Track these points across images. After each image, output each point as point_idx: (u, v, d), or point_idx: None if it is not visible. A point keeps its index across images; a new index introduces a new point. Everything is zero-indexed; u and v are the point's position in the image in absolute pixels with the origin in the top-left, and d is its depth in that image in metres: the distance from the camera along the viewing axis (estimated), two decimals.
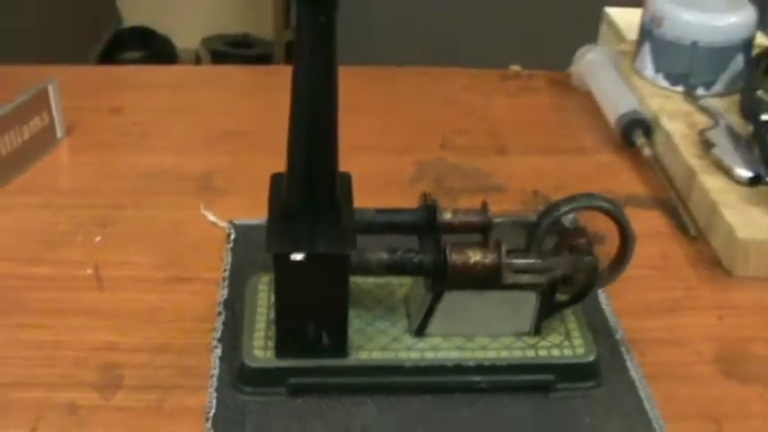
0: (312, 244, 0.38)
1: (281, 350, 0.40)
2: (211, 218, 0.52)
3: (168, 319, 0.44)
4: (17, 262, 0.48)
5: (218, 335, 0.43)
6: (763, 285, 0.49)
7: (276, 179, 0.40)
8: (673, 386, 0.42)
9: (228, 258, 0.48)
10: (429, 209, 0.42)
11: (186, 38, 1.91)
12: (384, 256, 0.40)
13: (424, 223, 0.42)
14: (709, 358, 0.44)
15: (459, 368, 0.40)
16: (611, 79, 0.65)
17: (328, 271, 0.38)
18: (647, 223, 0.54)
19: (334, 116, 0.37)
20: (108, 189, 0.55)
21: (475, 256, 0.39)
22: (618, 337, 0.44)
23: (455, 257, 0.39)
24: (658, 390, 0.41)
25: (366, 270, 0.40)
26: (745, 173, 0.53)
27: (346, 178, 0.41)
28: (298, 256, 0.37)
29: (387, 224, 0.42)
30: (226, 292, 0.45)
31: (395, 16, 1.30)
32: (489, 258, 0.39)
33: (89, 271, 0.48)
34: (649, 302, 0.47)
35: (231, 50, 1.86)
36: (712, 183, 0.54)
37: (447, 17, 1.34)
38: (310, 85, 0.37)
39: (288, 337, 0.39)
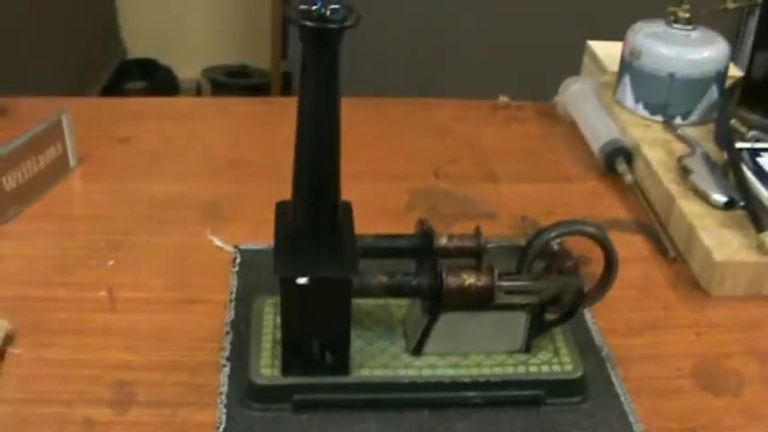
0: (316, 268, 0.39)
1: (286, 368, 0.41)
2: (218, 243, 0.54)
3: (178, 339, 0.46)
4: (35, 285, 0.49)
5: (226, 354, 0.44)
6: (737, 304, 0.51)
7: (281, 207, 0.42)
8: (655, 400, 0.44)
9: (234, 281, 0.50)
10: (426, 234, 0.43)
11: (187, 68, 1.93)
12: (383, 279, 0.42)
13: (421, 248, 0.43)
14: (687, 373, 0.46)
15: (455, 384, 0.42)
16: (595, 109, 0.67)
17: (332, 293, 0.39)
18: (630, 247, 0.56)
19: (336, 148, 0.39)
20: (120, 215, 0.56)
21: (469, 279, 0.41)
22: (603, 354, 0.46)
23: (450, 280, 0.41)
24: (641, 403, 0.43)
25: (367, 293, 0.42)
26: (720, 198, 0.56)
27: (347, 206, 0.42)
28: (303, 280, 0.39)
29: (386, 249, 0.44)
30: (232, 313, 0.47)
31: (381, 49, 1.31)
32: (483, 281, 0.41)
33: (103, 293, 0.49)
34: (632, 321, 0.49)
35: (230, 80, 1.89)
36: (690, 207, 0.56)
37: (434, 51, 1.36)
38: (315, 119, 0.38)
39: (293, 356, 0.41)
